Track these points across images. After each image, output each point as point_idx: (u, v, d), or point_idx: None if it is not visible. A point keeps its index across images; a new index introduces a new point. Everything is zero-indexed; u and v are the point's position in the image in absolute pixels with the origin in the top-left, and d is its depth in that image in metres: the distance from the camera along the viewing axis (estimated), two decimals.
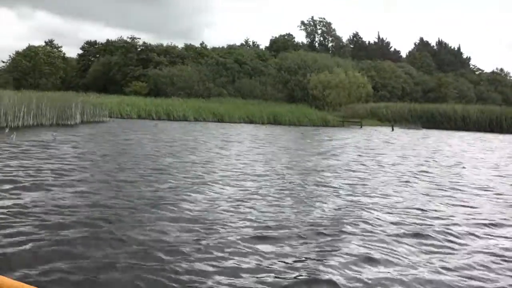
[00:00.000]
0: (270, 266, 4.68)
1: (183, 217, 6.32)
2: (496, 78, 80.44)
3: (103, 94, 47.19)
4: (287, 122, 39.08)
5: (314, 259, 4.96)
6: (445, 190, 9.73)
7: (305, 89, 58.09)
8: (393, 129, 41.18)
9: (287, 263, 4.82)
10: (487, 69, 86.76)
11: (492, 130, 45.29)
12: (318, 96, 55.71)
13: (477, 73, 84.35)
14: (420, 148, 21.19)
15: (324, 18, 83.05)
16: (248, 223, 6.19)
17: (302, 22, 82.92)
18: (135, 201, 7.05)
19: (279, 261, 4.84)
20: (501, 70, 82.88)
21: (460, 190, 9.89)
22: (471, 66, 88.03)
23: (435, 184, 10.52)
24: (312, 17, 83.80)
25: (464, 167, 14.25)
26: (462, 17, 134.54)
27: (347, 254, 5.17)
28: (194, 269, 4.43)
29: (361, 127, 42.27)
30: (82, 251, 4.70)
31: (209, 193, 8.01)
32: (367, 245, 5.53)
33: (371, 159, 15.40)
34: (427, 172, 12.62)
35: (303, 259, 4.96)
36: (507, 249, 5.75)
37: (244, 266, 4.64)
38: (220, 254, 4.88)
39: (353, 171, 12.12)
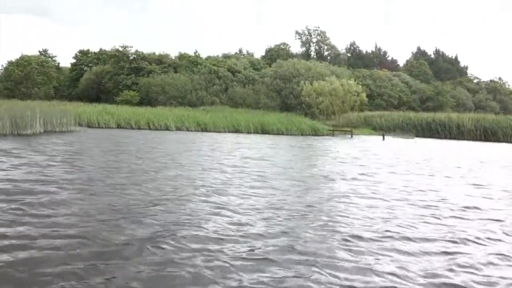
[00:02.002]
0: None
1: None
2: (495, 86, 79.46)
3: (88, 104, 46.64)
4: (275, 131, 38.12)
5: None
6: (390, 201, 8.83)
7: (299, 97, 57.31)
8: (383, 138, 40.16)
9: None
10: (485, 78, 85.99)
11: (487, 139, 44.18)
12: (311, 104, 54.90)
13: (475, 81, 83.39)
14: (394, 158, 20.21)
15: (318, 27, 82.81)
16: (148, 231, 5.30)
17: (297, 32, 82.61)
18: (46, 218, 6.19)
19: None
20: (500, 78, 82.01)
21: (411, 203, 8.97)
22: (468, 75, 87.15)
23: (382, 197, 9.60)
24: (307, 26, 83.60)
25: (430, 177, 13.34)
26: (459, 27, 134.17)
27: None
28: None
29: (351, 136, 41.26)
30: None
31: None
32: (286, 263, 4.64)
33: (331, 169, 14.47)
34: (384, 185, 11.68)
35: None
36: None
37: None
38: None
39: (305, 181, 11.21)
